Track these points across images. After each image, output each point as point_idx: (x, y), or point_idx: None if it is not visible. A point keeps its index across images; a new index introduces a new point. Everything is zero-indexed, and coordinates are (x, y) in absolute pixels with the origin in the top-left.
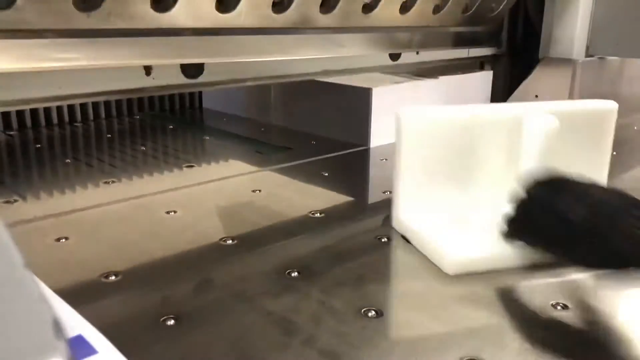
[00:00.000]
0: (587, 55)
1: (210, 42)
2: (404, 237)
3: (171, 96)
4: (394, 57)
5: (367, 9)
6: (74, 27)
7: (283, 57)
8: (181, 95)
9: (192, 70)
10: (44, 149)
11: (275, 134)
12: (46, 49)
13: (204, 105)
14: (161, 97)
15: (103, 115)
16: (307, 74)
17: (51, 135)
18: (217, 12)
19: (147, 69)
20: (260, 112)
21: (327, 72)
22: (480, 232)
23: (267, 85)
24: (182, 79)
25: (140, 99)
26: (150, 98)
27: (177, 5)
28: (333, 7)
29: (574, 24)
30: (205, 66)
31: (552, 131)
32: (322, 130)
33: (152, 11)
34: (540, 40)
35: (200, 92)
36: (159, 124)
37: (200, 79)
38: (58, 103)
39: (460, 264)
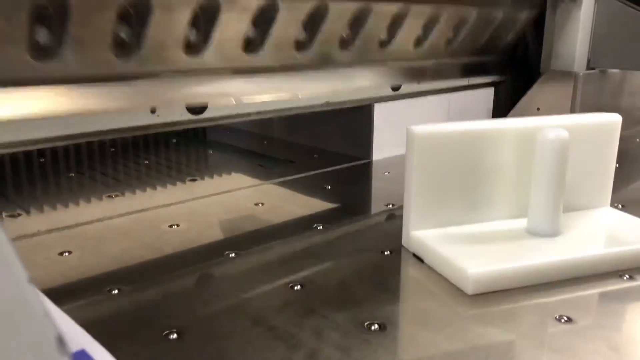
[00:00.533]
0: (588, 68)
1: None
2: (415, 256)
3: None
4: (395, 87)
5: (383, 44)
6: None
7: (295, 96)
8: None
9: (196, 107)
10: (48, 163)
11: (278, 147)
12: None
13: None
14: None
15: None
16: (310, 107)
17: (55, 149)
18: (244, 54)
19: (152, 108)
20: (262, 126)
21: (329, 104)
22: (495, 248)
23: None
24: (187, 116)
25: None
26: None
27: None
28: (351, 44)
29: (574, 37)
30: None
31: (565, 144)
32: (324, 143)
33: (184, 55)
34: (541, 53)
35: None
36: (162, 137)
37: (204, 115)
38: (64, 143)
39: (482, 284)
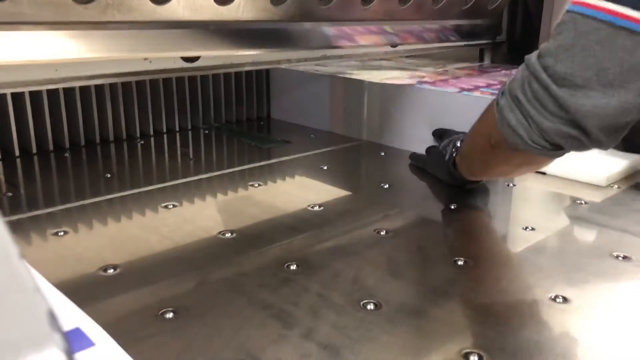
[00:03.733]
0: None
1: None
2: None
3: (170, 87)
4: (394, 44)
5: (367, 0)
6: (72, 19)
7: (282, 50)
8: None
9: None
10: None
11: (274, 127)
12: (43, 41)
13: None
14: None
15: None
16: (307, 59)
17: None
18: (216, 5)
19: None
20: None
21: (325, 57)
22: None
23: (265, 78)
24: (180, 63)
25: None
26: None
27: None
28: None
29: None
30: None
31: None
32: (321, 123)
33: (150, 3)
34: (539, 32)
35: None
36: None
37: (198, 64)
38: (54, 86)
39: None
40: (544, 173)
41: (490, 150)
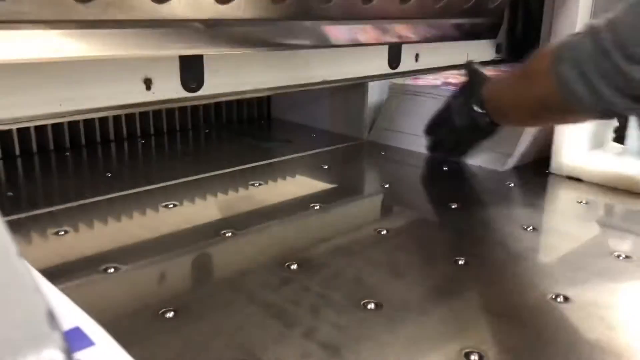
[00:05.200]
0: None
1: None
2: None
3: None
4: (393, 65)
5: None
6: (72, 18)
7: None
8: None
9: (192, 84)
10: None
11: (275, 126)
12: (43, 40)
13: None
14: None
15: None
16: (307, 84)
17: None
18: (216, 4)
19: (147, 84)
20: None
21: (326, 82)
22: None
23: None
24: (183, 93)
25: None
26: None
27: None
28: None
29: (574, 17)
30: (205, 79)
31: None
32: (322, 123)
33: (151, 2)
34: (540, 34)
35: None
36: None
37: (200, 92)
38: (59, 120)
39: None
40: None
41: (540, 110)
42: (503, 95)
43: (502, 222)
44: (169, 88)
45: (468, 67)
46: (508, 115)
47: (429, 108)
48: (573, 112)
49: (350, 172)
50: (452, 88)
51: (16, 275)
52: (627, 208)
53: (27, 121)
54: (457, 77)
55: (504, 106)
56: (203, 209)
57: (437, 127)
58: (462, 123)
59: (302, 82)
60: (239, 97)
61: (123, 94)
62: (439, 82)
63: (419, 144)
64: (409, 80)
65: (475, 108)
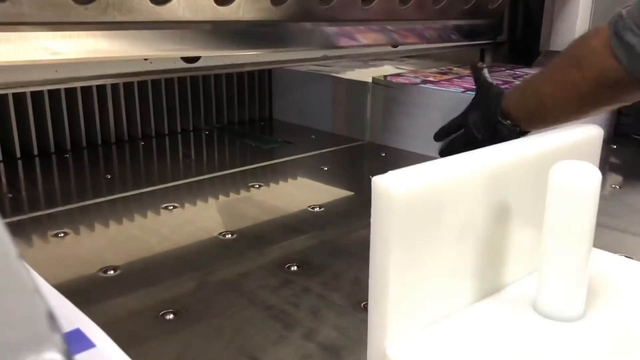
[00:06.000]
0: None
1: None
2: None
3: (172, 88)
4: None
5: (367, 0)
6: (72, 20)
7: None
8: (182, 88)
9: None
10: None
11: (275, 128)
12: (43, 41)
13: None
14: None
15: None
16: (307, 60)
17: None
18: (216, 5)
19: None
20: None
21: (326, 57)
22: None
23: (267, 78)
24: (181, 64)
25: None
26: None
27: None
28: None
29: (574, 16)
30: None
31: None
32: (323, 124)
33: (150, 4)
34: (540, 32)
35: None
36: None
37: (199, 64)
38: (55, 86)
39: None
40: None
41: (598, 94)
42: (543, 97)
43: None
44: (167, 59)
45: (478, 74)
46: (548, 117)
47: (416, 108)
48: None
49: (350, 174)
50: (432, 86)
51: (16, 276)
52: None
53: (21, 86)
54: (435, 76)
55: (543, 108)
56: (203, 211)
57: (452, 143)
58: (484, 137)
59: (302, 57)
60: (237, 69)
61: (121, 62)
62: (418, 80)
63: (415, 145)
64: (390, 78)
65: (502, 121)
